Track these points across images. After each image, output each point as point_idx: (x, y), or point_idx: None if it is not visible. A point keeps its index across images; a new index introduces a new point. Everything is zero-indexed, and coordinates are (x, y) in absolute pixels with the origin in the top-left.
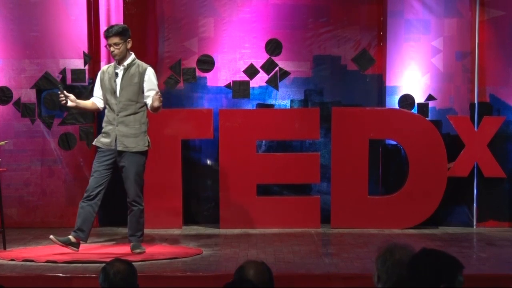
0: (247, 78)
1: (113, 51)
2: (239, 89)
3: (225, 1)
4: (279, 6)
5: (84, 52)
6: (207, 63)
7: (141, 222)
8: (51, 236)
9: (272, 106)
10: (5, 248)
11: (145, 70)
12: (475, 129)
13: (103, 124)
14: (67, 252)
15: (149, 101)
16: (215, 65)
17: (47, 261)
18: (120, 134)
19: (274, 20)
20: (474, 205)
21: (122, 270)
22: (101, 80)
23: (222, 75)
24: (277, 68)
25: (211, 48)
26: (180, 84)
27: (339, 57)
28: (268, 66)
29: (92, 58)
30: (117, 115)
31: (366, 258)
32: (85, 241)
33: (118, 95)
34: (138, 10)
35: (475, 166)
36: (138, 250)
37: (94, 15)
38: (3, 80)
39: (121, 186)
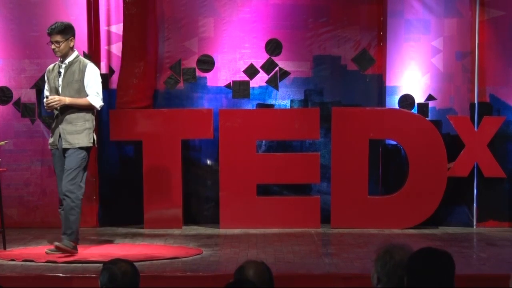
0: (247, 78)
1: (54, 48)
2: (239, 89)
3: (225, 1)
4: (279, 6)
5: (84, 52)
6: (207, 63)
7: (71, 219)
8: (56, 243)
9: (272, 106)
10: (5, 248)
11: (85, 66)
12: (475, 129)
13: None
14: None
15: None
16: (215, 65)
17: (47, 261)
18: (64, 132)
19: (274, 20)
20: (474, 205)
21: (130, 271)
22: (48, 79)
23: (222, 75)
24: (277, 68)
25: (211, 48)
26: (180, 84)
27: (339, 57)
28: (268, 66)
29: (92, 58)
30: (61, 113)
31: (366, 258)
32: (77, 242)
33: (60, 93)
34: (138, 10)
35: (475, 166)
36: (57, 245)
37: (94, 15)
38: (3, 80)
39: (121, 186)
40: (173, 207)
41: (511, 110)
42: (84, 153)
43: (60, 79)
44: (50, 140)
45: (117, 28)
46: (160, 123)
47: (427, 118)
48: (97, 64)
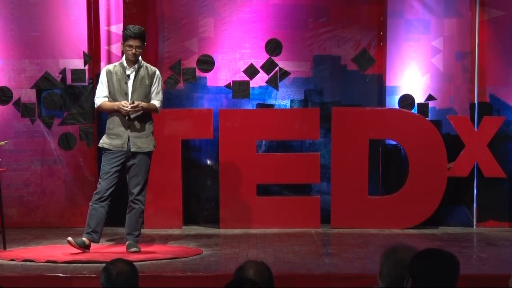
0: (247, 78)
1: (134, 53)
2: (239, 89)
3: (225, 1)
4: (279, 6)
5: (84, 52)
6: (207, 63)
7: (140, 221)
8: (69, 238)
9: (272, 106)
10: (5, 248)
11: (154, 72)
12: (475, 129)
13: (110, 125)
14: (67, 252)
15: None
16: (215, 65)
17: (47, 261)
18: (133, 136)
19: (274, 20)
20: (474, 205)
21: (125, 271)
22: (109, 81)
23: (222, 75)
24: (277, 68)
25: (211, 48)
26: (180, 84)
27: (339, 57)
28: (268, 66)
29: (92, 58)
30: (130, 116)
31: (366, 258)
32: (98, 242)
33: (130, 96)
34: (138, 10)
35: (475, 166)
36: (133, 249)
37: (94, 15)
38: (3, 80)
39: (121, 186)
40: (173, 207)
41: (511, 110)
42: (150, 159)
43: (130, 83)
44: (115, 142)
45: (117, 28)
46: (160, 123)
47: (427, 118)
48: (97, 64)
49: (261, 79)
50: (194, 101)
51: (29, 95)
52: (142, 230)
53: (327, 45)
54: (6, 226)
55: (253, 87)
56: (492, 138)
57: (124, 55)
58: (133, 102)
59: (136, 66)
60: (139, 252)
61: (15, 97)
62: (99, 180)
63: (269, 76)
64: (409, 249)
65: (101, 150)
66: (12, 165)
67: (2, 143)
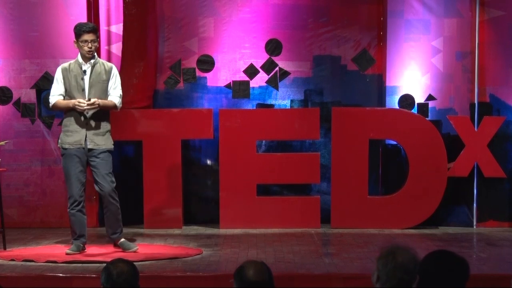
0: (247, 78)
1: (90, 47)
2: (239, 89)
3: (225, 1)
4: (279, 6)
5: None
6: (207, 63)
7: (120, 218)
8: (68, 252)
9: (272, 106)
10: (5, 248)
11: (111, 68)
12: (475, 129)
13: (67, 123)
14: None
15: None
16: (215, 65)
17: (47, 261)
18: (90, 133)
19: (274, 20)
20: (474, 205)
21: (126, 271)
22: (65, 78)
23: (222, 75)
24: (277, 68)
25: (211, 48)
26: (180, 84)
27: (339, 57)
28: (268, 66)
29: None
30: (87, 113)
31: (366, 258)
32: (85, 243)
33: (87, 93)
34: (138, 10)
35: (475, 166)
36: (134, 249)
37: (94, 15)
38: (3, 80)
39: (122, 186)
40: (173, 207)
41: (511, 110)
42: (111, 157)
43: (86, 79)
44: (72, 140)
45: (117, 28)
46: (160, 123)
47: (427, 118)
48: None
49: (261, 79)
50: (194, 101)
51: (29, 95)
52: (142, 230)
53: (327, 45)
54: (6, 226)
55: (253, 87)
56: (492, 138)
57: (79, 52)
58: (89, 100)
59: (92, 62)
60: (137, 250)
61: (15, 97)
62: (66, 182)
63: (269, 76)
64: (408, 252)
65: None
66: (12, 165)
67: (2, 143)
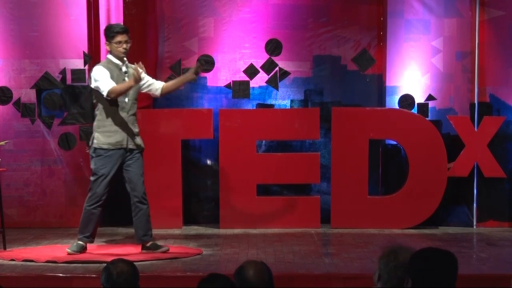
0: (247, 78)
1: (125, 48)
2: (239, 89)
3: (225, 1)
4: (279, 6)
5: (84, 52)
6: (207, 63)
7: (149, 220)
8: (69, 251)
9: (272, 106)
10: (5, 248)
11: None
12: (475, 129)
13: (106, 123)
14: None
15: (158, 85)
16: (215, 65)
17: (47, 261)
18: (130, 133)
19: (274, 20)
20: (474, 205)
21: (126, 271)
22: (112, 76)
23: (222, 75)
24: (277, 68)
25: (211, 48)
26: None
27: (339, 57)
28: (268, 66)
29: (92, 58)
30: (128, 113)
31: (366, 258)
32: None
33: (130, 93)
34: (138, 10)
35: (475, 166)
36: (164, 250)
37: (94, 15)
38: (3, 80)
39: (122, 186)
40: (173, 207)
41: (511, 110)
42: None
43: (126, 79)
44: (113, 140)
45: None
46: (160, 123)
47: (427, 118)
48: None
49: (261, 79)
50: (194, 101)
51: (29, 95)
52: None
53: (327, 45)
54: (6, 226)
55: (253, 87)
56: (492, 138)
57: (111, 54)
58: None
59: (126, 62)
60: (168, 250)
61: (15, 97)
62: (94, 181)
63: (269, 76)
64: (409, 251)
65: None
66: (12, 165)
67: (2, 143)
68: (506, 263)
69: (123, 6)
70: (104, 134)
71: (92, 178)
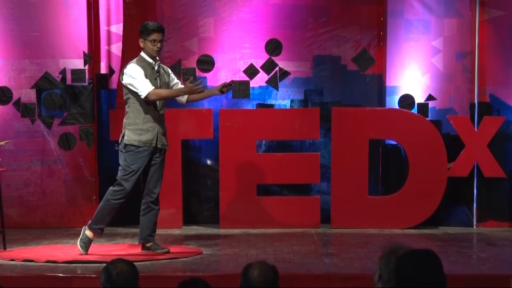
0: (247, 78)
1: (159, 47)
2: (239, 89)
3: (225, 1)
4: (279, 6)
5: (84, 52)
6: (207, 63)
7: (156, 222)
8: (82, 252)
9: (272, 106)
10: (5, 248)
11: (168, 69)
12: (475, 129)
13: (137, 121)
14: (67, 252)
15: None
16: (215, 65)
17: (47, 261)
18: (160, 132)
19: (274, 20)
20: (474, 205)
21: (125, 271)
22: (146, 74)
23: (222, 75)
24: (277, 68)
25: (211, 48)
26: (180, 84)
27: (339, 57)
28: (268, 66)
29: (92, 58)
30: (159, 112)
31: (366, 258)
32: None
33: None
34: (138, 10)
35: (475, 166)
36: (165, 251)
37: (94, 15)
38: (3, 80)
39: None
40: (173, 207)
41: (511, 110)
42: None
43: (159, 79)
44: (145, 138)
45: (117, 28)
46: None
47: (427, 118)
48: (97, 64)
49: (261, 79)
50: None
51: (29, 95)
52: None
53: (327, 45)
54: (6, 226)
55: (253, 87)
56: (492, 138)
57: (144, 51)
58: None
59: (158, 62)
60: (169, 252)
61: (15, 97)
62: (123, 176)
63: (269, 76)
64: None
65: (101, 150)
66: (12, 165)
67: (2, 143)
68: (506, 263)
69: (123, 6)
70: (136, 132)
71: (121, 174)
